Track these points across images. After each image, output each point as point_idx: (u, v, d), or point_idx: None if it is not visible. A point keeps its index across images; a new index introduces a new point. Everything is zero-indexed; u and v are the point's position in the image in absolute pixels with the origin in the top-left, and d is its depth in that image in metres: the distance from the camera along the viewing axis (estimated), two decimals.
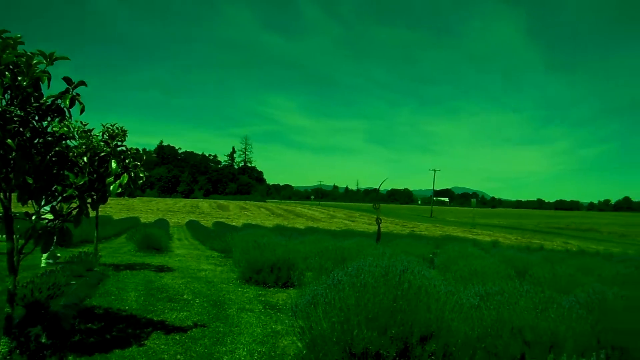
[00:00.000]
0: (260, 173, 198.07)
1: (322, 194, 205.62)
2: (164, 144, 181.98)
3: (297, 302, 5.83)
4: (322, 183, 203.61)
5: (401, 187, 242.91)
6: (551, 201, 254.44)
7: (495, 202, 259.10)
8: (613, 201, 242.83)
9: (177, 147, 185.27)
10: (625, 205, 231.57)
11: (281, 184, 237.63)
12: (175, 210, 75.20)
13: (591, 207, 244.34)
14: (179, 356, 5.40)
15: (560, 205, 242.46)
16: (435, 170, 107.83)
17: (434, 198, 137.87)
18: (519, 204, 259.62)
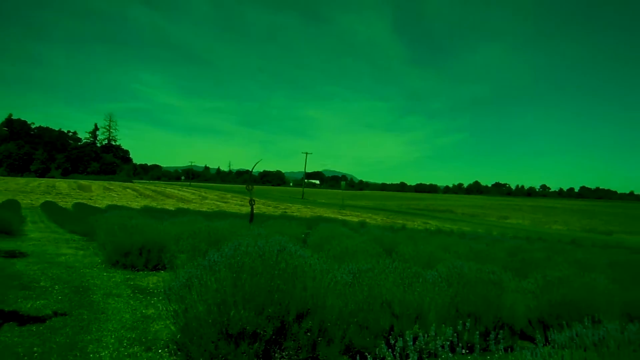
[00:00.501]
0: (127, 152, 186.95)
1: (193, 175, 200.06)
2: (14, 117, 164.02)
3: (170, 285, 5.59)
4: (193, 164, 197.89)
5: (274, 169, 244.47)
6: (412, 184, 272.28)
7: (362, 185, 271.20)
8: (465, 185, 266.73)
9: (29, 122, 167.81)
10: (475, 188, 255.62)
11: (149, 164, 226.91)
12: (27, 191, 68.41)
13: (447, 190, 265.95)
14: (36, 348, 4.92)
15: (420, 188, 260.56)
16: (307, 153, 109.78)
17: (306, 180, 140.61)
18: (384, 187, 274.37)
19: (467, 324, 6.35)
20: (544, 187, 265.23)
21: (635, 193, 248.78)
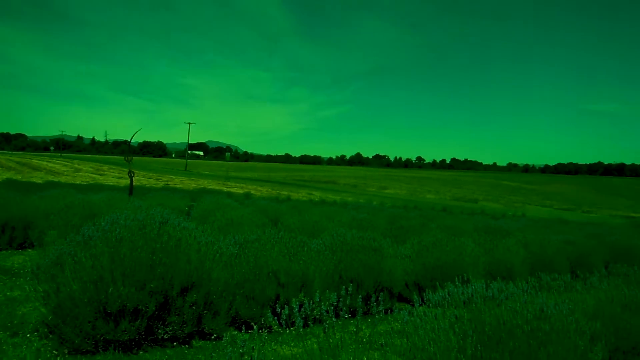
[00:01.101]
0: None
1: (64, 145, 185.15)
2: None
3: (38, 263, 5.15)
4: (63, 133, 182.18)
5: (155, 140, 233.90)
6: (297, 156, 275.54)
7: (247, 156, 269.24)
8: (348, 156, 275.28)
9: None
10: (357, 160, 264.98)
11: (12, 133, 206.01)
12: None
13: (330, 161, 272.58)
14: None
15: (305, 159, 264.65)
16: (190, 124, 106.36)
17: (189, 152, 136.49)
18: (269, 158, 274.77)
19: (350, 289, 6.61)
20: (419, 158, 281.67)
21: (498, 164, 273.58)
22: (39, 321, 5.23)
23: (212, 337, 5.55)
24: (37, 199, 12.13)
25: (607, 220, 40.61)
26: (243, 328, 4.04)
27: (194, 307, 5.33)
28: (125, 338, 4.87)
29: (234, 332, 5.77)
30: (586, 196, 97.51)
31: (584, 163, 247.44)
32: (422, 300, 4.29)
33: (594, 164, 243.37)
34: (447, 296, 4.09)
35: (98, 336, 4.78)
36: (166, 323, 5.19)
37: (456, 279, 4.50)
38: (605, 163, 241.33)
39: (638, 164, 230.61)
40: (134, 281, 4.92)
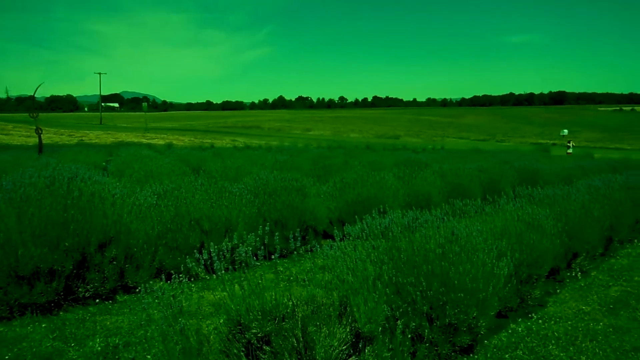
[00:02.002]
0: None
1: None
2: None
3: None
4: None
5: (63, 94, 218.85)
6: (219, 102, 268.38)
7: (167, 106, 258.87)
8: (271, 100, 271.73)
9: None
10: (280, 103, 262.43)
11: None
12: None
13: (253, 106, 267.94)
14: None
15: (227, 105, 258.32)
16: (100, 74, 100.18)
17: (103, 104, 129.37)
18: (189, 107, 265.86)
19: (268, 228, 6.68)
20: (342, 98, 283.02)
21: (418, 100, 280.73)
22: None
23: (137, 290, 5.47)
24: None
25: (519, 148, 43.17)
26: (173, 277, 4.01)
27: (114, 262, 5.20)
28: (43, 300, 4.70)
29: (160, 283, 5.71)
30: (499, 126, 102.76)
31: (497, 95, 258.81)
32: (344, 234, 4.40)
33: (506, 94, 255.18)
34: (365, 228, 4.23)
35: (12, 301, 4.58)
36: (86, 281, 5.04)
37: (373, 211, 4.65)
38: (516, 94, 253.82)
39: (546, 93, 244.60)
40: (46, 241, 4.70)
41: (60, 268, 4.77)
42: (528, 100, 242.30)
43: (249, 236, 4.18)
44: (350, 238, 4.46)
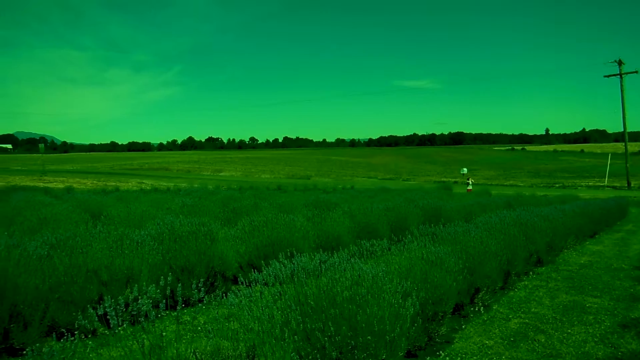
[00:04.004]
0: None
1: None
2: None
3: None
4: None
5: None
6: (124, 143, 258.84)
7: (67, 147, 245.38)
8: (179, 141, 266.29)
9: None
10: (190, 144, 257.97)
11: None
12: None
13: (161, 147, 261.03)
14: None
15: (133, 147, 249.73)
16: None
17: None
18: (92, 148, 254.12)
19: (170, 278, 6.40)
20: (252, 139, 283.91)
21: (328, 141, 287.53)
22: None
23: (25, 351, 4.96)
24: None
25: (423, 186, 45.20)
26: (66, 335, 3.68)
27: None
28: None
29: (51, 343, 5.23)
30: (405, 166, 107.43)
31: (402, 135, 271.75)
32: (250, 281, 4.30)
33: (410, 135, 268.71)
34: (271, 273, 4.15)
35: None
36: None
37: (280, 255, 4.59)
38: (420, 134, 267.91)
39: (446, 133, 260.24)
40: None
41: None
42: (430, 140, 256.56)
43: (149, 287, 3.96)
44: (258, 284, 4.37)
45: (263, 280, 4.23)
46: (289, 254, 5.61)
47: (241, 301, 3.58)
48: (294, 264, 4.39)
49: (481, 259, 6.56)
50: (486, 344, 5.31)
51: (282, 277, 4.05)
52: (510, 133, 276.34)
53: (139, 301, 3.26)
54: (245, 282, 4.27)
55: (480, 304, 6.64)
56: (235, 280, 7.95)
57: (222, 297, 7.13)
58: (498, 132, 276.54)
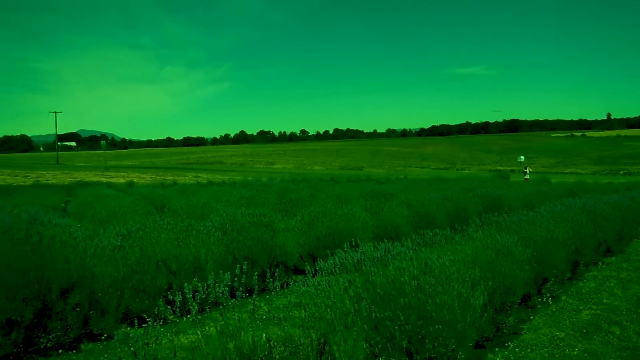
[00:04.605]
0: None
1: None
2: None
3: None
4: None
5: (17, 134, 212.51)
6: (180, 139, 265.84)
7: (126, 143, 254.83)
8: (232, 135, 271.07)
9: None
10: (242, 137, 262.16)
11: None
12: None
13: (215, 141, 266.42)
14: None
15: (188, 141, 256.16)
16: (56, 113, 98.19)
17: (59, 143, 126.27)
18: (149, 144, 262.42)
19: (244, 267, 6.54)
20: (303, 131, 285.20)
21: (378, 131, 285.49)
22: None
23: (103, 337, 5.22)
24: None
25: (479, 175, 44.20)
26: (136, 323, 3.85)
27: (77, 309, 4.95)
28: (2, 354, 4.42)
29: (126, 329, 5.48)
30: (458, 155, 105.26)
31: (454, 124, 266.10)
32: (315, 270, 4.34)
33: (463, 124, 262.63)
34: (337, 263, 4.18)
35: None
36: (48, 330, 4.78)
37: (345, 244, 4.61)
38: (473, 122, 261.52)
39: (501, 121, 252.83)
40: (3, 290, 4.45)
41: (20, 318, 4.51)
42: (484, 128, 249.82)
43: (225, 275, 4.07)
44: (323, 273, 4.40)
45: (328, 269, 4.26)
46: (350, 244, 5.63)
47: (312, 289, 3.62)
48: (359, 253, 4.40)
49: (548, 249, 6.36)
50: (557, 335, 5.15)
51: (349, 266, 4.06)
52: (569, 119, 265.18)
53: (217, 289, 3.34)
54: (312, 272, 4.31)
55: (548, 295, 6.44)
56: (296, 270, 8.06)
57: (285, 286, 7.24)
58: (556, 118, 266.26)
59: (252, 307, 6.11)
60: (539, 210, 8.43)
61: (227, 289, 3.35)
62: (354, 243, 6.71)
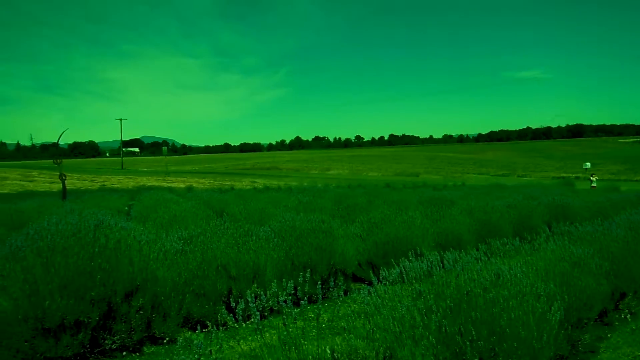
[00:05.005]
0: None
1: None
2: None
3: None
4: None
5: (85, 140, 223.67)
6: (236, 144, 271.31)
7: (186, 149, 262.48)
8: (288, 141, 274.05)
9: None
10: (297, 143, 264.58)
11: None
12: None
13: (271, 147, 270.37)
14: None
15: (245, 147, 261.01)
16: (121, 120, 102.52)
17: (124, 149, 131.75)
18: (208, 149, 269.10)
19: (307, 275, 6.46)
20: (358, 137, 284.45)
21: (434, 137, 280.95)
22: None
23: (165, 341, 5.27)
24: None
25: (541, 182, 42.53)
26: (198, 327, 3.84)
27: (141, 312, 5.02)
28: (69, 354, 4.52)
29: (187, 334, 5.51)
30: (519, 161, 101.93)
31: (513, 129, 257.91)
32: (379, 279, 4.19)
33: (523, 129, 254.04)
34: (403, 272, 4.01)
35: (38, 355, 4.41)
36: (112, 332, 4.86)
37: (409, 254, 4.43)
38: (534, 128, 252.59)
39: (564, 126, 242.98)
40: (72, 291, 4.56)
41: (87, 319, 4.61)
42: (546, 134, 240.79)
43: (283, 282, 3.99)
44: (387, 282, 4.24)
45: (393, 278, 4.10)
46: (412, 252, 5.43)
47: (376, 299, 3.47)
48: (424, 262, 4.21)
49: (627, 261, 5.93)
50: (639, 355, 4.76)
51: (416, 275, 3.89)
52: (638, 123, 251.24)
53: (280, 298, 3.26)
54: (374, 280, 4.16)
55: (627, 311, 5.99)
56: (355, 278, 7.92)
57: (345, 294, 7.11)
58: (624, 123, 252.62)
59: (313, 315, 6.03)
60: (614, 220, 7.91)
61: (289, 297, 3.26)
62: (418, 252, 6.50)
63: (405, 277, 3.98)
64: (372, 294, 3.84)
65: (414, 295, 3.57)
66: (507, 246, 5.59)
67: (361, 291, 3.82)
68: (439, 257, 4.43)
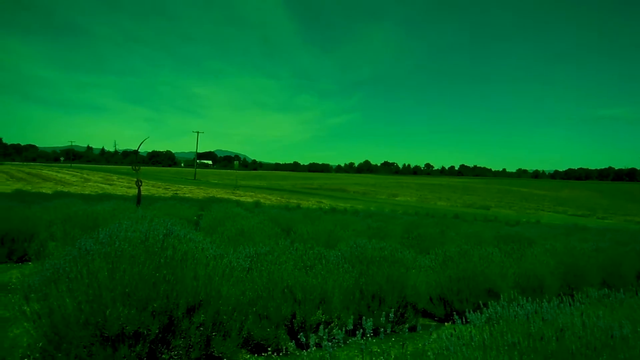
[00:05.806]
0: None
1: (74, 156, 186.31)
2: None
3: (29, 280, 4.64)
4: (73, 144, 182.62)
5: (163, 149, 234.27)
6: (305, 164, 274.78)
7: (256, 165, 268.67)
8: (356, 164, 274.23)
9: None
10: (366, 167, 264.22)
11: (23, 144, 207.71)
12: None
13: (339, 169, 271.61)
14: None
15: (313, 167, 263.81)
16: (198, 133, 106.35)
17: (198, 160, 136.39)
18: (277, 167, 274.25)
19: (372, 305, 6.05)
20: (428, 165, 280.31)
21: (507, 170, 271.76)
22: (30, 344, 4.70)
23: None
24: (40, 210, 11.68)
25: (626, 226, 39.71)
26: (257, 350, 3.54)
27: (201, 329, 4.79)
28: None
29: (246, 356, 5.23)
30: (599, 202, 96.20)
31: (594, 168, 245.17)
32: (461, 317, 3.72)
33: (605, 169, 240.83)
34: (494, 315, 3.53)
35: None
36: (170, 347, 4.65)
37: (502, 296, 3.93)
38: (616, 168, 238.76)
39: None
40: (135, 301, 4.40)
41: (146, 331, 4.42)
42: (629, 175, 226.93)
43: (345, 312, 3.64)
44: (473, 325, 3.77)
45: (481, 323, 3.62)
46: (488, 292, 4.90)
47: (454, 341, 3.03)
48: (515, 307, 3.71)
49: None
50: None
51: (505, 317, 3.40)
52: None
53: (331, 325, 2.89)
54: (461, 319, 3.70)
55: None
56: (424, 313, 7.40)
57: (412, 330, 6.62)
58: None
59: (379, 350, 5.60)
60: None
61: (351, 327, 2.88)
62: (493, 291, 5.91)
63: (494, 322, 3.50)
64: (454, 336, 3.39)
65: (506, 347, 3.09)
66: (611, 298, 4.93)
67: (430, 329, 3.37)
68: (530, 301, 3.90)
